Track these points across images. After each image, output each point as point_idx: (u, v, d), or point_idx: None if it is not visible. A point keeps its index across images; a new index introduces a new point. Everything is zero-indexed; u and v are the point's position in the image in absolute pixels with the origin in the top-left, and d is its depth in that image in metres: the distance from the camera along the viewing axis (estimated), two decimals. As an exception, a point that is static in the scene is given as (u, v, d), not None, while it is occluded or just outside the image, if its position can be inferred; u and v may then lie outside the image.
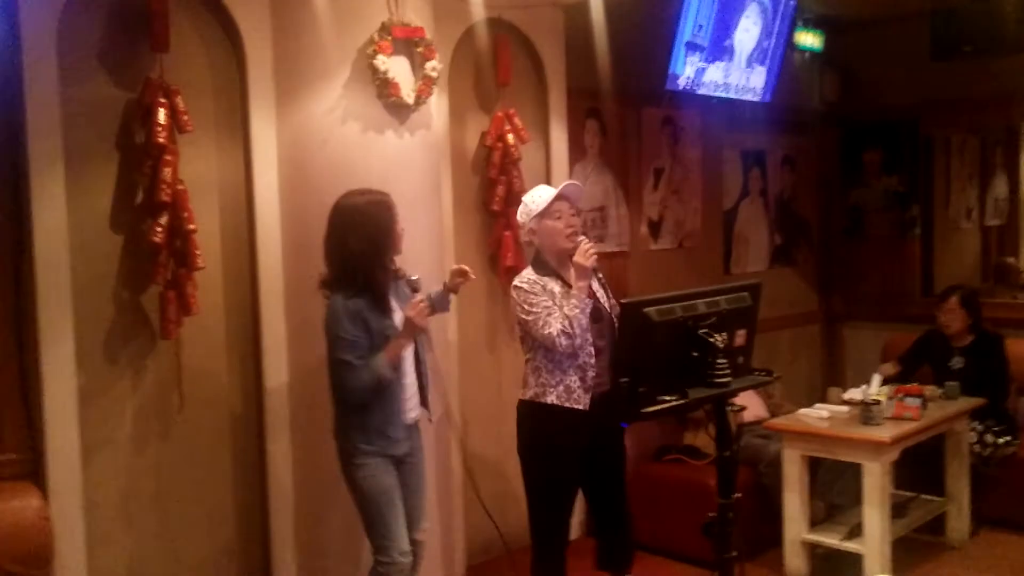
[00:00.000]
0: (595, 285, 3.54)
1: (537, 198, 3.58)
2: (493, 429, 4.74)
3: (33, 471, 3.30)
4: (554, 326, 3.38)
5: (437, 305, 3.55)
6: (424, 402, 3.44)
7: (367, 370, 3.18)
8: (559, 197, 3.55)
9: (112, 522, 3.50)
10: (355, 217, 3.24)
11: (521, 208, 3.63)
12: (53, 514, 3.20)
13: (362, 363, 3.18)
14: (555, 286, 3.50)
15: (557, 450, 3.46)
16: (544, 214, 3.54)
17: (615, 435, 3.69)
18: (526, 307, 3.47)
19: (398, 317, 3.31)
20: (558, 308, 3.41)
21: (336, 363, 3.21)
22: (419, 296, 3.29)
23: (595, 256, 3.48)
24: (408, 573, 3.33)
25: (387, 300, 3.29)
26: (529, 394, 3.56)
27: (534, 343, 3.51)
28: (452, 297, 3.67)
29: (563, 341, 3.36)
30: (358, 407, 3.25)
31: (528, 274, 3.56)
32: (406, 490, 3.39)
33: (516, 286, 3.54)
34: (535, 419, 3.53)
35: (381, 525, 3.29)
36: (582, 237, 3.54)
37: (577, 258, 3.46)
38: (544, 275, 3.54)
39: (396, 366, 3.24)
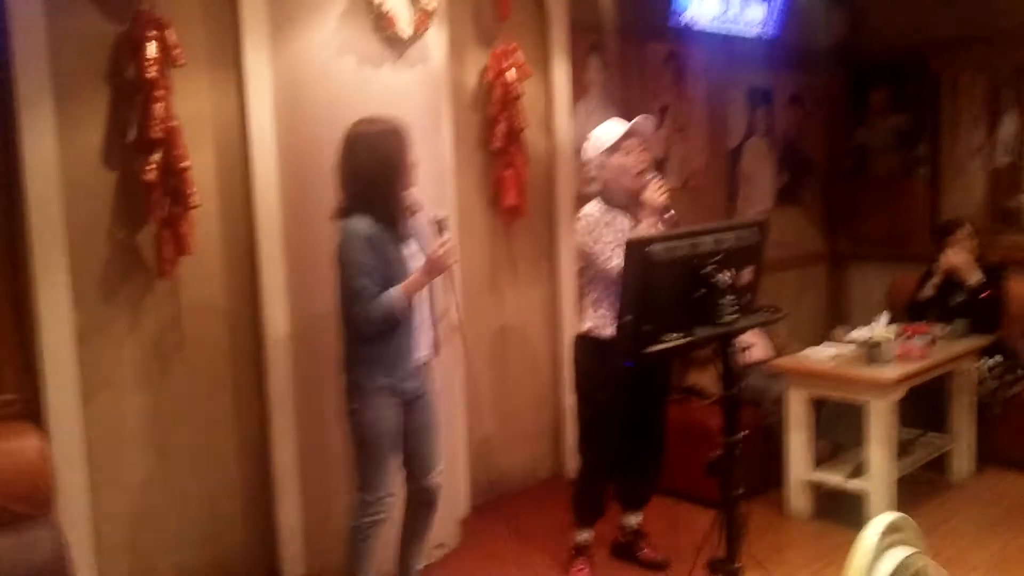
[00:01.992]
0: (662, 224, 3.51)
1: (606, 134, 3.56)
2: (495, 370, 4.72)
3: (33, 412, 3.27)
4: (617, 260, 3.37)
5: None
6: (435, 343, 3.36)
7: (381, 301, 3.08)
8: (629, 133, 3.50)
9: (114, 461, 3.48)
10: (366, 142, 3.13)
11: (588, 143, 3.62)
12: (54, 454, 3.17)
13: (377, 292, 3.08)
14: (623, 221, 3.52)
15: (613, 383, 3.50)
16: (613, 150, 3.52)
17: (663, 372, 3.74)
18: (591, 240, 3.49)
19: (413, 249, 3.23)
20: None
21: (349, 291, 3.11)
22: (447, 235, 3.18)
23: (666, 194, 3.46)
24: (389, 515, 3.27)
25: (400, 228, 3.19)
26: (586, 326, 3.64)
27: (594, 276, 3.56)
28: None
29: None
30: (369, 339, 3.15)
31: (595, 207, 3.58)
32: (418, 432, 3.32)
33: (582, 218, 3.57)
34: (591, 353, 3.62)
35: (374, 466, 3.22)
36: (651, 174, 3.52)
37: (647, 196, 3.46)
38: (611, 209, 3.53)
39: (411, 303, 3.14)
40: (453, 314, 3.64)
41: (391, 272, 3.13)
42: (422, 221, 3.32)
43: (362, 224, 3.10)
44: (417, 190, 3.72)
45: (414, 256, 3.23)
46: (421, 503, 3.41)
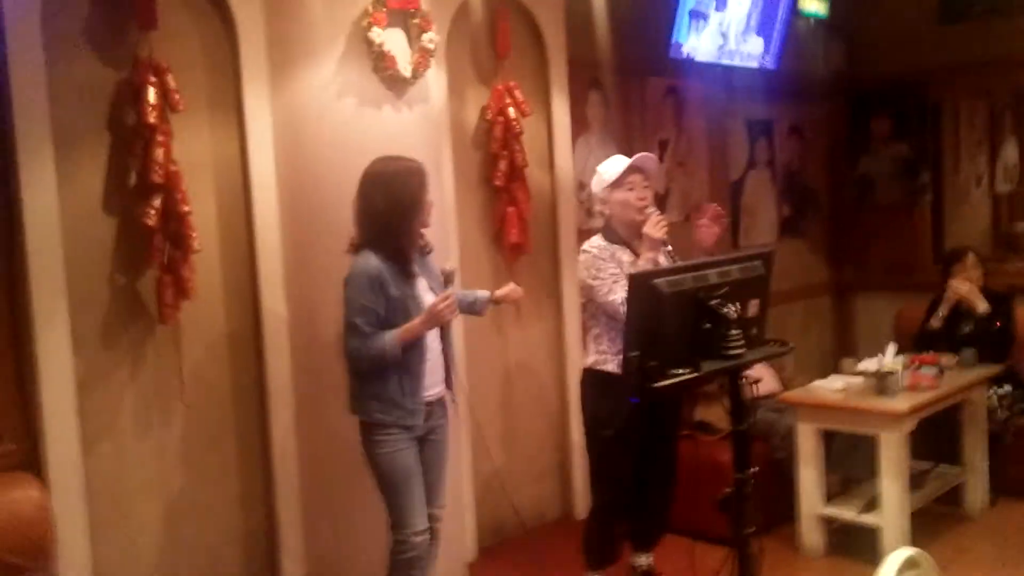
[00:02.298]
0: (662, 258, 3.53)
1: (609, 169, 3.62)
2: (500, 410, 4.67)
3: (32, 461, 3.23)
4: (619, 294, 3.43)
5: (471, 307, 3.52)
6: (448, 382, 3.35)
7: (374, 341, 3.09)
8: (633, 168, 3.56)
9: (114, 511, 3.43)
10: (383, 180, 3.17)
11: (595, 178, 3.69)
12: (54, 505, 3.12)
13: (371, 331, 3.09)
14: (624, 255, 3.57)
15: (618, 419, 3.45)
16: (616, 185, 3.58)
17: (673, 407, 3.72)
18: (593, 272, 3.54)
19: (422, 288, 3.23)
20: (625, 277, 3.41)
21: (346, 325, 3.13)
22: (452, 289, 3.20)
23: (666, 228, 3.50)
24: (424, 552, 3.25)
25: (411, 267, 3.21)
26: (589, 361, 3.67)
27: (596, 310, 3.59)
28: (484, 301, 3.56)
29: (625, 309, 3.35)
30: (372, 376, 3.16)
31: (597, 241, 3.63)
32: (426, 467, 3.31)
33: (585, 251, 3.62)
34: (596, 387, 3.62)
35: (397, 504, 3.22)
36: (652, 209, 3.56)
37: (647, 229, 3.51)
38: (613, 243, 3.58)
39: (406, 348, 3.13)
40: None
41: (395, 310, 3.13)
42: (434, 261, 3.34)
43: (371, 261, 3.12)
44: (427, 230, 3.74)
45: (424, 295, 3.22)
46: None
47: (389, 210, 3.14)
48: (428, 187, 3.24)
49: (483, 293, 3.59)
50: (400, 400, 3.17)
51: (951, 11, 5.90)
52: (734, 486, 2.90)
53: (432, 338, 3.24)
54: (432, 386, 3.27)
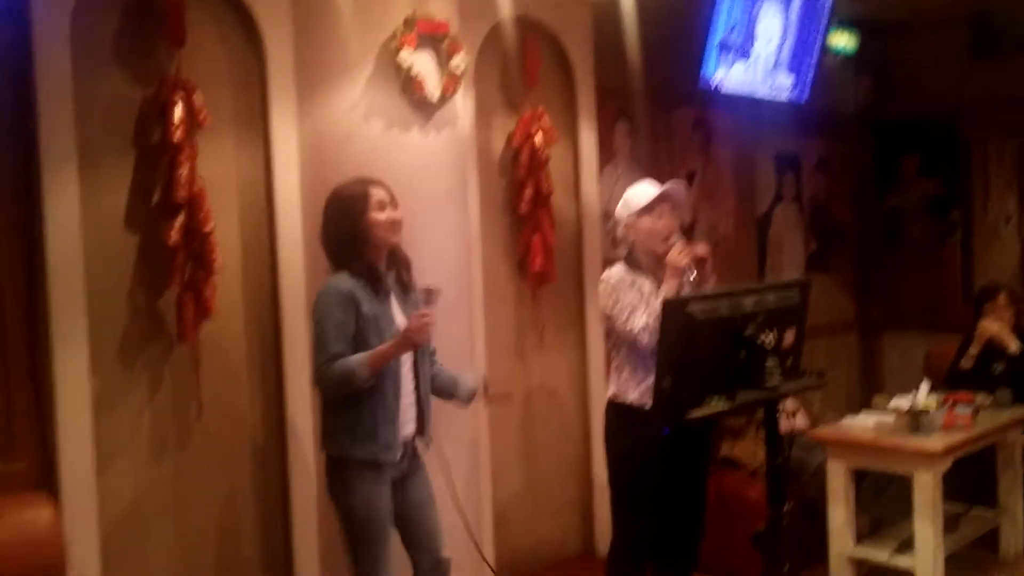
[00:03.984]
0: (686, 288, 3.41)
1: (639, 195, 3.55)
2: (522, 440, 4.58)
3: (45, 481, 3.16)
4: (638, 322, 3.34)
5: (449, 389, 3.22)
6: (421, 426, 3.12)
7: (343, 362, 2.87)
8: (662, 197, 3.48)
9: (127, 533, 3.35)
10: (329, 204, 3.10)
11: (621, 203, 3.60)
12: (66, 525, 3.05)
13: (340, 350, 2.89)
14: (645, 283, 3.47)
15: (639, 453, 3.36)
16: (643, 212, 3.50)
17: (700, 440, 3.58)
18: (612, 301, 3.44)
19: (396, 309, 3.08)
20: (645, 305, 3.35)
21: (315, 345, 2.96)
22: (430, 309, 2.94)
23: (689, 257, 3.40)
24: None
25: (380, 284, 3.04)
26: (611, 393, 3.56)
27: (618, 339, 3.49)
28: (468, 390, 3.24)
29: (644, 337, 3.31)
30: (345, 407, 2.96)
31: (618, 269, 3.55)
32: (420, 507, 3.13)
33: (604, 280, 3.52)
34: (617, 419, 3.51)
35: (369, 554, 3.00)
36: (677, 237, 3.48)
37: (670, 257, 3.41)
38: (635, 271, 3.50)
39: (378, 374, 2.92)
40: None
41: (368, 330, 2.95)
42: (413, 290, 3.14)
43: (341, 279, 2.99)
44: (441, 254, 3.67)
45: (398, 316, 3.06)
46: None
47: (335, 232, 3.05)
48: (379, 203, 3.03)
49: (468, 380, 3.25)
50: (375, 431, 2.95)
51: (983, 46, 5.83)
52: (769, 522, 2.79)
53: (404, 374, 3.04)
54: (407, 422, 3.07)
